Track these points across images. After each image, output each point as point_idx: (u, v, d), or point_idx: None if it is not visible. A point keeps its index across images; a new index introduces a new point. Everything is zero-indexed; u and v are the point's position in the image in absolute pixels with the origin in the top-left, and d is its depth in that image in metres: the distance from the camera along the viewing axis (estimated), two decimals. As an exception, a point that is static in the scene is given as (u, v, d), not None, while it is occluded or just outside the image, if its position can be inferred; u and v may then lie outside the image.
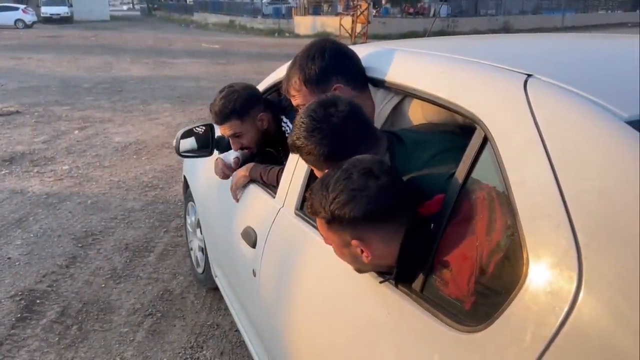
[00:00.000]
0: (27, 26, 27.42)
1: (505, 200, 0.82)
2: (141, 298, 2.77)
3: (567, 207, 0.72)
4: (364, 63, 1.45)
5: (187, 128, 2.20)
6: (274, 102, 1.99)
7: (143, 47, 18.00)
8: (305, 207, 1.35)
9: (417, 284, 0.97)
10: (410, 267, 0.98)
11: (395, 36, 19.40)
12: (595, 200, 0.71)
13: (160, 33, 25.21)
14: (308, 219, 1.37)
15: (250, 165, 1.88)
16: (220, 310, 2.65)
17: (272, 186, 1.72)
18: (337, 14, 24.75)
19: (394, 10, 31.97)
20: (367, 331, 1.07)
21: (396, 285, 1.00)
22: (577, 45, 1.55)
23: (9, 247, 3.36)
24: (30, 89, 9.30)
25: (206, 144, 2.16)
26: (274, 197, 1.63)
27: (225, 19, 31.95)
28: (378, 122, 1.41)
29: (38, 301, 2.73)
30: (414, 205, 1.01)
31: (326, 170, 1.09)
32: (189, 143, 2.20)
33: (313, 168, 1.27)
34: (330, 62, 1.40)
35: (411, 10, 31.65)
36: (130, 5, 57.16)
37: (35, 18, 28.72)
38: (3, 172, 4.89)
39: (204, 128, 2.16)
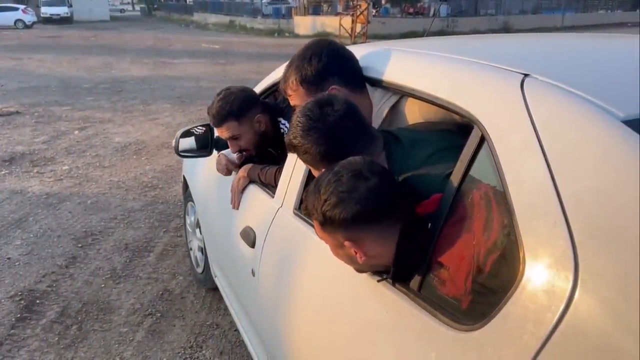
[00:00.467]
0: (27, 26, 27.45)
1: (502, 199, 0.82)
2: (141, 298, 2.78)
3: (563, 206, 0.72)
4: (362, 63, 1.45)
5: (186, 128, 2.21)
6: (271, 104, 1.99)
7: (143, 47, 18.00)
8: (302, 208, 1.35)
9: (414, 283, 0.97)
10: (408, 267, 0.98)
11: (395, 36, 19.37)
12: (592, 200, 0.72)
13: (160, 33, 25.22)
14: (306, 219, 1.37)
15: (248, 166, 1.88)
16: (220, 310, 2.66)
17: (270, 186, 1.72)
18: (336, 14, 24.78)
19: (393, 10, 31.96)
20: (365, 330, 1.08)
21: (394, 285, 1.01)
22: (575, 45, 1.55)
23: (9, 247, 3.36)
24: (30, 89, 9.30)
25: (205, 144, 2.17)
26: (273, 197, 1.64)
27: (225, 19, 31.97)
28: (376, 121, 1.41)
29: (38, 301, 2.74)
30: (411, 205, 1.01)
31: (323, 170, 1.09)
32: (188, 143, 2.21)
33: (310, 167, 1.27)
34: (327, 63, 1.40)
35: (411, 10, 31.65)
36: (130, 6, 57.13)
37: (35, 18, 28.74)
38: (3, 172, 4.89)
39: (203, 128, 2.17)
